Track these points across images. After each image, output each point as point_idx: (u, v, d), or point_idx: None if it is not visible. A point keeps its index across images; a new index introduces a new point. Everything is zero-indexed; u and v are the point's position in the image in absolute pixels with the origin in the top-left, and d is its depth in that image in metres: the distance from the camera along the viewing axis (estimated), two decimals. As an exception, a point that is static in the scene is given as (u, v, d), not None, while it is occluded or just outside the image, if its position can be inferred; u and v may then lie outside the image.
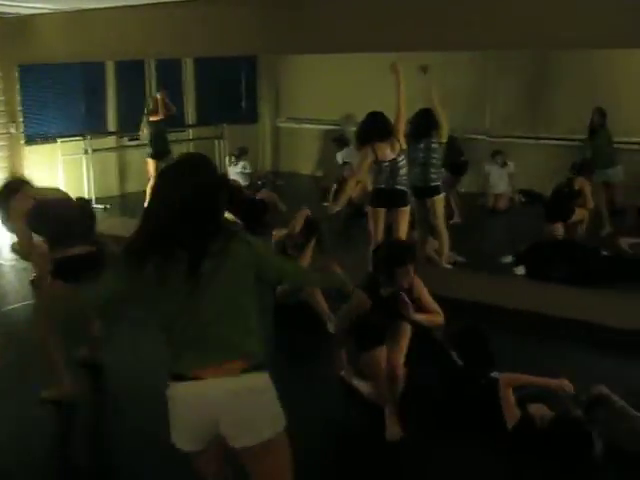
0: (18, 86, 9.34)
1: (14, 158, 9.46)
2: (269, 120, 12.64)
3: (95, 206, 8.67)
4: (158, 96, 9.83)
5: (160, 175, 2.64)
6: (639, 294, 6.16)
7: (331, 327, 5.57)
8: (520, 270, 6.79)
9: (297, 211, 6.23)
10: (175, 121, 10.42)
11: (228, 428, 2.45)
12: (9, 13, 8.63)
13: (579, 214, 7.67)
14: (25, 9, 8.30)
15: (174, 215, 2.41)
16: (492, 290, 6.28)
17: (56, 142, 9.91)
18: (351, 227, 8.65)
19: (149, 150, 9.64)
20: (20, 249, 4.67)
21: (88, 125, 10.39)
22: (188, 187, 2.43)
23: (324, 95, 11.35)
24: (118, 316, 5.15)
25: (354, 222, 8.43)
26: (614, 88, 9.05)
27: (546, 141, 10.19)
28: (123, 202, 10.52)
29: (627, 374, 5.00)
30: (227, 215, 2.91)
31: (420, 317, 4.07)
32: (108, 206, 9.89)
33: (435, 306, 4.21)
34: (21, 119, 9.48)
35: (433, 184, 6.71)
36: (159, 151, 9.53)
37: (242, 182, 10.20)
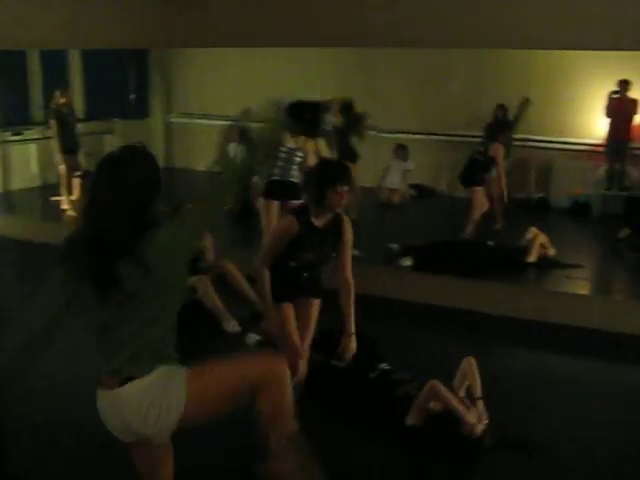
0: None
1: None
2: (161, 115, 12.41)
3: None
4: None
5: (97, 170, 2.44)
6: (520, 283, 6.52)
7: (227, 326, 5.52)
8: (406, 261, 6.96)
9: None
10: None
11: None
12: None
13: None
14: None
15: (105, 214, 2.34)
16: (380, 282, 6.41)
17: None
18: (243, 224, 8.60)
19: (57, 144, 9.18)
20: None
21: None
22: (126, 183, 2.34)
23: (217, 90, 11.26)
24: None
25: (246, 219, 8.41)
26: (509, 86, 9.45)
27: (437, 137, 10.53)
28: (6, 200, 10.06)
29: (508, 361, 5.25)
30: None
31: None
32: (-11, 204, 9.46)
33: (349, 262, 3.96)
34: None
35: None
36: (69, 146, 9.15)
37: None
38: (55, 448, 3.89)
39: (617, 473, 3.78)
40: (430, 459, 3.89)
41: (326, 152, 6.53)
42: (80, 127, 9.61)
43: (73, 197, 9.00)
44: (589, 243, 8.83)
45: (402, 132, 10.33)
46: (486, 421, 3.94)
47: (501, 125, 8.77)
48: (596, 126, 9.79)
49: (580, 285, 6.97)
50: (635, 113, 9.50)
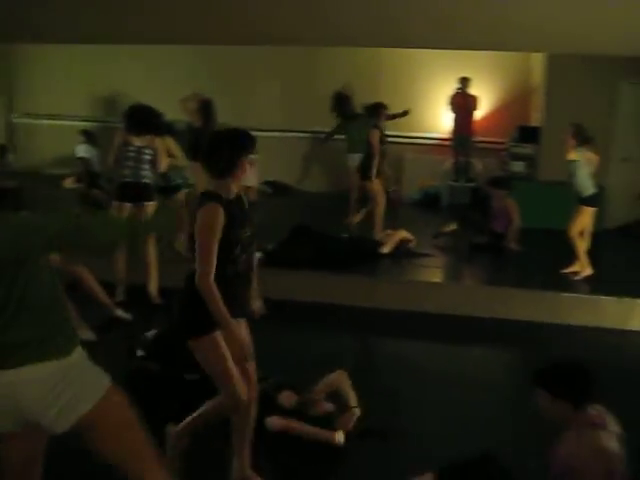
0: None
1: None
2: (3, 116, 11.70)
3: None
4: None
5: None
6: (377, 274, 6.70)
7: (82, 335, 5.29)
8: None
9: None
10: None
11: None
12: None
13: None
14: None
15: None
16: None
17: None
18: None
19: None
20: None
21: None
22: None
23: (63, 89, 10.77)
24: None
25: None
26: (362, 83, 9.66)
27: (291, 134, 10.62)
28: None
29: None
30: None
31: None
32: None
33: None
34: None
35: (174, 182, 6.65)
36: None
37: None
38: None
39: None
40: (297, 458, 3.91)
41: (177, 151, 6.40)
42: None
43: None
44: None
45: (258, 130, 10.31)
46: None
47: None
48: (442, 121, 10.25)
49: (435, 273, 7.28)
50: (476, 108, 10.03)
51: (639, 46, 5.74)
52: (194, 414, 3.45)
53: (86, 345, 2.63)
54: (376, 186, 7.78)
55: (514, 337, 5.82)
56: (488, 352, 5.67)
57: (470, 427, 4.21)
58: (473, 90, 9.92)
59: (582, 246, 6.77)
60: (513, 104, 10.04)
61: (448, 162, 10.26)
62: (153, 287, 6.17)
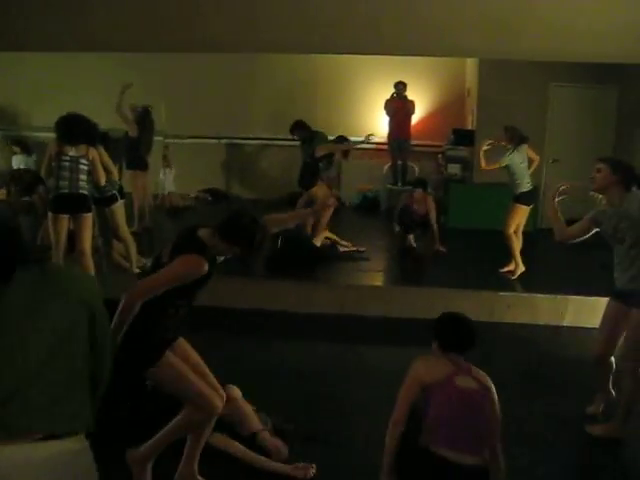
0: None
1: None
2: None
3: None
4: None
5: None
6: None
7: None
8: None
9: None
10: None
11: None
12: None
13: None
14: None
15: None
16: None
17: None
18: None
19: None
20: None
21: None
22: None
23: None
24: None
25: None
26: (300, 90, 9.70)
27: (229, 140, 10.58)
28: None
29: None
30: None
31: None
32: None
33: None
34: None
35: (109, 193, 6.51)
36: None
37: None
38: None
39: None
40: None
41: (108, 160, 6.28)
42: None
43: None
44: (379, 236, 9.30)
45: (197, 137, 10.27)
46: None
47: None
48: (378, 126, 10.35)
49: (375, 277, 7.34)
50: (413, 113, 10.17)
51: (568, 51, 5.91)
52: (158, 434, 3.39)
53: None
54: (320, 192, 7.83)
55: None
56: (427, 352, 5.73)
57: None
58: (409, 95, 10.06)
59: (517, 245, 6.93)
60: (448, 108, 10.24)
61: (386, 166, 10.37)
62: None
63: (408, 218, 7.84)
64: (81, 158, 5.89)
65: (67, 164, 5.83)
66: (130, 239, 6.73)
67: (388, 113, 10.15)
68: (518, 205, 6.85)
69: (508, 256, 6.96)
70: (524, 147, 6.83)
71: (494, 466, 3.09)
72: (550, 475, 3.89)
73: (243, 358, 5.26)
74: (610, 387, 4.45)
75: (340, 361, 5.38)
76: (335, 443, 4.07)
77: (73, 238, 6.07)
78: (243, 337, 5.83)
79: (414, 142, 10.27)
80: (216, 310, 5.98)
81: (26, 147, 9.81)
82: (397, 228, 8.03)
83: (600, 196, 4.19)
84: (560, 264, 7.46)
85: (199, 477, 3.50)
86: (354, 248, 7.75)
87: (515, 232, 6.93)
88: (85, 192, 5.96)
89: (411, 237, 7.91)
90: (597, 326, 4.39)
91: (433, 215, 7.73)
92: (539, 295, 6.36)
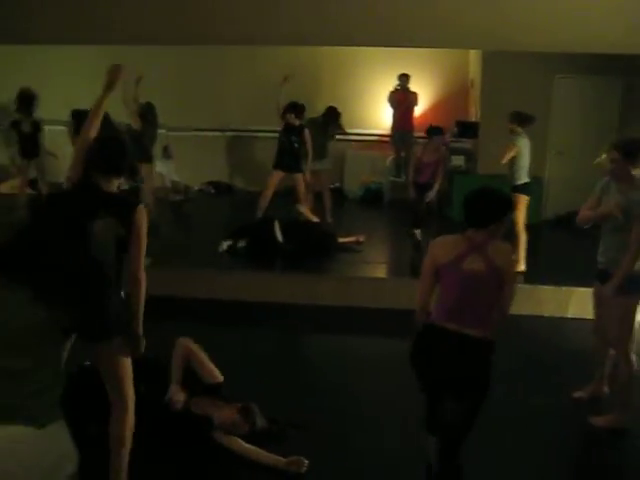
0: None
1: None
2: None
3: None
4: None
5: None
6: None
7: None
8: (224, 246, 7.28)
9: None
10: None
11: None
12: None
13: None
14: None
15: None
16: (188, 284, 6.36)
17: None
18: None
19: None
20: None
21: None
22: None
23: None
24: None
25: None
26: (303, 82, 9.66)
27: (232, 133, 10.56)
28: None
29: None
30: None
31: None
32: None
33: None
34: None
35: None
36: None
37: None
38: None
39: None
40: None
41: None
42: None
43: None
44: (383, 228, 9.31)
45: (198, 130, 10.25)
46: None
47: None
48: (382, 118, 10.34)
49: (378, 268, 7.35)
50: (416, 105, 10.14)
51: (571, 42, 5.88)
52: (113, 458, 3.32)
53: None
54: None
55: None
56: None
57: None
58: (412, 87, 10.04)
59: (524, 240, 6.86)
60: (451, 100, 10.20)
61: (389, 158, 10.35)
62: None
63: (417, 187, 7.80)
64: None
65: None
66: None
67: (391, 105, 10.13)
68: (520, 196, 6.77)
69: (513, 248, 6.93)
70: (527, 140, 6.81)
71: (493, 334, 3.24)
72: (553, 466, 3.90)
73: (242, 347, 5.28)
74: (604, 378, 4.50)
75: (341, 352, 5.39)
76: (336, 433, 4.08)
77: None
78: (246, 328, 5.84)
79: (417, 134, 10.23)
80: (218, 302, 6.00)
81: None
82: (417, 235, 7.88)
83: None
84: (564, 256, 7.45)
85: None
86: (353, 239, 7.70)
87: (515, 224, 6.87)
88: None
89: (418, 232, 7.84)
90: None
91: (441, 169, 7.69)
92: (543, 287, 6.35)
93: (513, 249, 6.76)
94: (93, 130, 3.27)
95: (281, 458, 3.75)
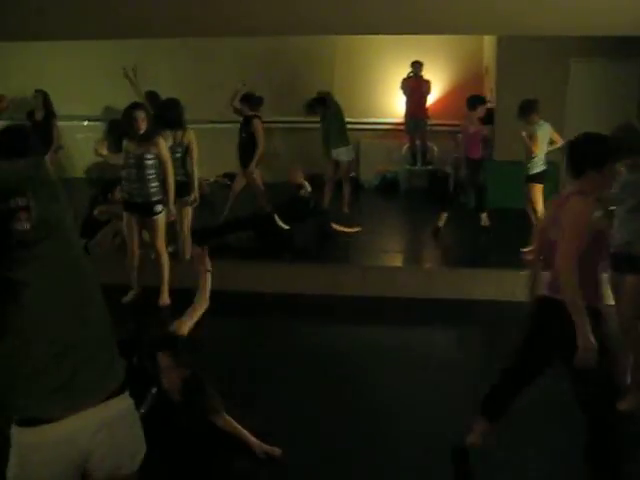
0: None
1: None
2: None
3: None
4: None
5: None
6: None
7: None
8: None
9: None
10: None
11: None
12: None
13: None
14: None
15: None
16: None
17: None
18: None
19: None
20: None
21: None
22: None
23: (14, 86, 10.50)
24: None
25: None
26: (316, 72, 9.65)
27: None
28: None
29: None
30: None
31: None
32: None
33: None
34: None
35: None
36: None
37: None
38: None
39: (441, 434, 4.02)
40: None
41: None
42: None
43: None
44: (399, 216, 9.29)
45: (216, 122, 10.23)
46: None
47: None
48: (396, 106, 10.29)
49: (395, 258, 7.33)
50: (429, 92, 10.08)
51: (588, 25, 5.81)
52: None
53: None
54: None
55: (476, 317, 5.89)
56: (452, 333, 5.74)
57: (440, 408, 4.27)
58: (426, 74, 9.97)
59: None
60: (466, 86, 10.11)
61: (404, 147, 10.31)
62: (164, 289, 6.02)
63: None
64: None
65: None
66: None
67: (404, 93, 10.07)
68: (535, 184, 6.75)
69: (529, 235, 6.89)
70: (548, 125, 6.76)
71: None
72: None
73: (262, 338, 5.29)
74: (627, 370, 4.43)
75: (363, 342, 5.39)
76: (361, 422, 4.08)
77: None
78: (268, 318, 5.85)
79: (433, 122, 10.19)
80: (243, 294, 6.01)
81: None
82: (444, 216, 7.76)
83: None
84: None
85: None
86: (350, 230, 7.65)
87: (534, 212, 6.85)
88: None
89: (444, 216, 7.78)
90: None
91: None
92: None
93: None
94: None
95: (257, 441, 3.71)
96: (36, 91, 8.48)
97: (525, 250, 6.89)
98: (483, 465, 3.49)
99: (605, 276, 4.24)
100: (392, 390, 4.52)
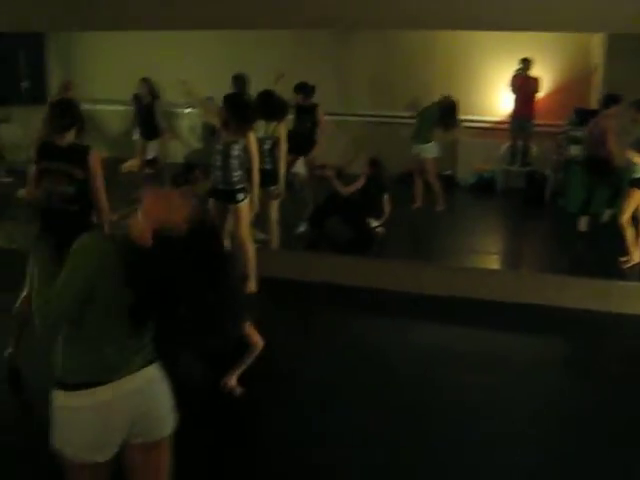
0: None
1: None
2: (59, 100, 11.89)
3: None
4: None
5: None
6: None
7: None
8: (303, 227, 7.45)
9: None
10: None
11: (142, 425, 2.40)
12: None
13: None
14: None
15: None
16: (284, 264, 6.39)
17: None
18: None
19: None
20: None
21: None
22: None
23: (120, 74, 10.92)
24: None
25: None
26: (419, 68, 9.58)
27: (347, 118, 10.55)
28: None
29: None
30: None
31: None
32: None
33: None
34: None
35: None
36: None
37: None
38: None
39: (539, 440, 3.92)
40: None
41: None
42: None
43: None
44: (494, 216, 9.10)
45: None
46: None
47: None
48: (498, 104, 10.03)
49: (490, 259, 7.18)
50: (537, 91, 9.77)
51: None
52: None
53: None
54: None
55: (565, 325, 5.69)
56: (538, 340, 5.57)
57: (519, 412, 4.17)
58: (533, 72, 9.67)
59: (631, 233, 6.53)
60: (571, 86, 9.76)
61: (504, 146, 10.05)
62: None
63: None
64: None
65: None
66: None
67: (512, 90, 9.80)
68: (636, 190, 6.42)
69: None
70: None
71: None
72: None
73: (345, 334, 5.30)
74: None
75: (446, 343, 5.31)
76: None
77: None
78: (350, 313, 5.84)
79: (537, 122, 9.87)
80: (327, 287, 6.04)
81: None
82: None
83: None
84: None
85: None
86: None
87: (634, 218, 6.51)
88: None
89: (584, 220, 7.34)
90: None
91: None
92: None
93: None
94: None
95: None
96: (142, 79, 8.79)
97: (622, 260, 6.60)
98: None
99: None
100: (465, 393, 4.45)
